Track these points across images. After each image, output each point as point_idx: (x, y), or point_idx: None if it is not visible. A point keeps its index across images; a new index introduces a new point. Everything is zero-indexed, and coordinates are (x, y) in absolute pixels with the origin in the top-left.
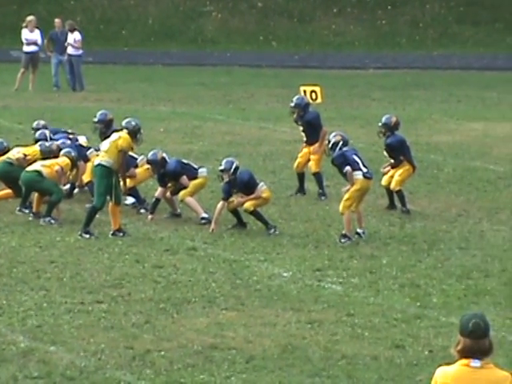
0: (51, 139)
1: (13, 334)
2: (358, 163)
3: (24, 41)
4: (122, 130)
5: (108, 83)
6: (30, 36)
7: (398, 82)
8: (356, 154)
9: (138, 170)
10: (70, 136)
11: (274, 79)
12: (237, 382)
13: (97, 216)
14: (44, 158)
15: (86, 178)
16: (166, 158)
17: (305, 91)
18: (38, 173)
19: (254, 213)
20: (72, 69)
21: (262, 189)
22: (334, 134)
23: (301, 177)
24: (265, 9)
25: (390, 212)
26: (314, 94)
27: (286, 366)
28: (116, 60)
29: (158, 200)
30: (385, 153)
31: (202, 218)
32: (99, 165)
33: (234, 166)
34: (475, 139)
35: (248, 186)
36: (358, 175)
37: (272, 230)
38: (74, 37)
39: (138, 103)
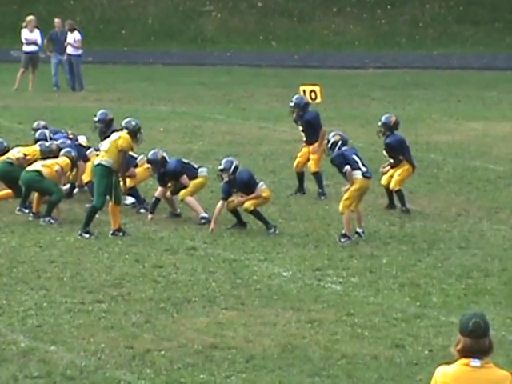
0: (51, 139)
1: (13, 333)
2: (357, 162)
3: (24, 41)
4: (122, 129)
5: (108, 83)
6: (30, 36)
7: (397, 82)
8: (355, 154)
9: (137, 170)
10: (70, 136)
11: (274, 79)
12: (237, 382)
13: (97, 216)
14: (44, 158)
15: (85, 177)
16: (166, 158)
17: (304, 91)
18: (38, 173)
19: (254, 212)
20: (71, 69)
21: (262, 188)
22: (333, 133)
23: (300, 176)
24: (264, 8)
25: (390, 211)
26: (313, 94)
27: (286, 366)
28: (116, 60)
29: (157, 200)
30: (384, 152)
31: (202, 218)
32: (99, 164)
33: (233, 166)
34: (475, 139)
35: (248, 186)
36: (358, 175)
37: (272, 230)
38: (73, 36)
39: (138, 103)
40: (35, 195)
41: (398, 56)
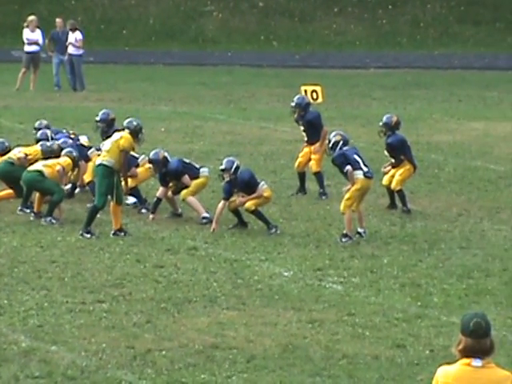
0: (52, 139)
1: (14, 333)
2: (358, 162)
3: (25, 41)
4: (123, 129)
5: (109, 83)
6: (31, 36)
7: (398, 82)
8: (357, 154)
9: (139, 170)
10: (72, 136)
11: (275, 79)
12: (238, 382)
13: (98, 216)
14: (45, 158)
15: (87, 177)
16: (168, 158)
17: (306, 91)
18: (40, 173)
19: (255, 212)
20: (72, 69)
21: (263, 188)
22: (334, 133)
23: (302, 176)
24: (266, 8)
25: (391, 211)
26: (314, 94)
27: (287, 366)
28: (117, 60)
29: (159, 200)
30: (385, 152)
31: (203, 218)
32: (101, 164)
33: (234, 166)
34: (476, 139)
35: (249, 186)
36: (359, 175)
37: (273, 230)
38: (75, 36)
39: (139, 103)
40: (36, 195)
41: (399, 56)
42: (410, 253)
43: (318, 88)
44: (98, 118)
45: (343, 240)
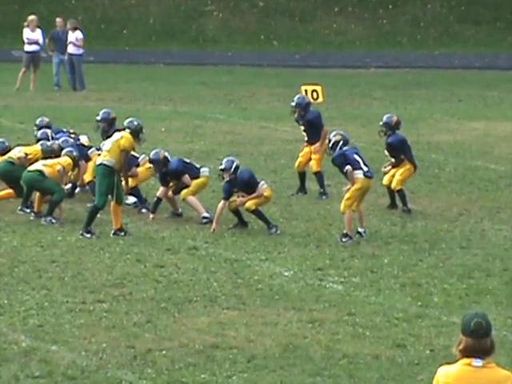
0: (53, 138)
1: (14, 333)
2: (358, 162)
3: (25, 40)
4: (124, 129)
5: (109, 83)
6: (32, 35)
7: (399, 81)
8: (357, 153)
9: (139, 169)
10: (72, 135)
11: (276, 78)
12: (238, 382)
13: (98, 215)
14: (45, 158)
15: (87, 177)
16: (168, 157)
17: (306, 90)
18: (40, 172)
19: (256, 212)
20: (72, 68)
21: (264, 187)
22: (334, 133)
23: (302, 176)
24: (266, 8)
25: (391, 211)
26: (315, 94)
27: (288, 366)
28: (117, 59)
29: (159, 199)
30: (386, 152)
31: (204, 218)
32: (101, 164)
33: (234, 165)
34: (476, 138)
35: (249, 185)
36: (359, 174)
37: (273, 230)
38: (75, 35)
39: (140, 103)
40: (37, 195)
41: (400, 56)
42: (411, 252)
43: (318, 88)
44: (98, 118)
45: (343, 240)
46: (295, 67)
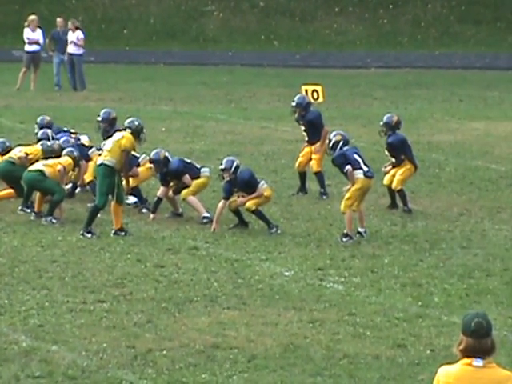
0: (53, 138)
1: (15, 333)
2: (358, 162)
3: (26, 40)
4: (124, 129)
5: (110, 83)
6: (32, 35)
7: (399, 81)
8: (357, 153)
9: (139, 169)
10: (72, 135)
11: (276, 78)
12: (238, 382)
13: (99, 215)
14: (46, 158)
15: (87, 177)
16: (169, 157)
17: (306, 90)
18: (41, 172)
19: (256, 212)
20: (72, 68)
21: (264, 187)
22: (334, 133)
23: (302, 176)
24: (266, 8)
25: (392, 211)
26: (315, 94)
27: (288, 366)
28: (117, 59)
29: (160, 199)
30: (386, 152)
31: (204, 218)
32: (102, 164)
33: (234, 165)
34: (477, 138)
35: (249, 185)
36: (359, 174)
37: (274, 230)
38: (76, 35)
39: (140, 103)
40: (37, 195)
41: (400, 56)
42: (411, 252)
43: (318, 88)
44: (99, 118)
45: (344, 240)
46: (296, 67)
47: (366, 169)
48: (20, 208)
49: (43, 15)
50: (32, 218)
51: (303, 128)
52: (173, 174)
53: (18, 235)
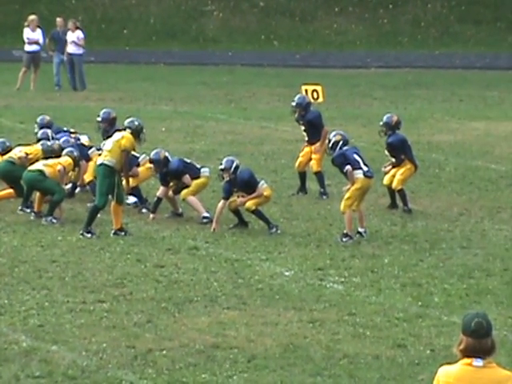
0: (53, 138)
1: (15, 333)
2: (358, 162)
3: (26, 40)
4: (124, 129)
5: (110, 83)
6: (32, 35)
7: (399, 81)
8: (357, 153)
9: (139, 169)
10: (72, 135)
11: (276, 78)
12: (238, 381)
13: (98, 215)
14: (46, 158)
15: (87, 177)
16: (169, 157)
17: (306, 90)
18: (41, 172)
19: (256, 212)
20: (72, 68)
21: (263, 187)
22: (334, 133)
23: (302, 176)
24: (266, 8)
25: (392, 211)
26: (315, 93)
27: (288, 366)
28: (118, 59)
29: (159, 199)
30: (386, 152)
31: (204, 218)
32: (102, 164)
33: (234, 165)
34: (477, 138)
35: (248, 185)
36: (359, 174)
37: (273, 230)
38: (76, 35)
39: (140, 102)
40: (37, 195)
41: (400, 55)
42: (411, 252)
43: (318, 88)
44: (99, 118)
45: (344, 240)
46: (296, 67)
47: (365, 169)
48: (20, 208)
49: (43, 15)
50: (32, 217)
51: (303, 128)
52: (173, 174)
53: (18, 235)
